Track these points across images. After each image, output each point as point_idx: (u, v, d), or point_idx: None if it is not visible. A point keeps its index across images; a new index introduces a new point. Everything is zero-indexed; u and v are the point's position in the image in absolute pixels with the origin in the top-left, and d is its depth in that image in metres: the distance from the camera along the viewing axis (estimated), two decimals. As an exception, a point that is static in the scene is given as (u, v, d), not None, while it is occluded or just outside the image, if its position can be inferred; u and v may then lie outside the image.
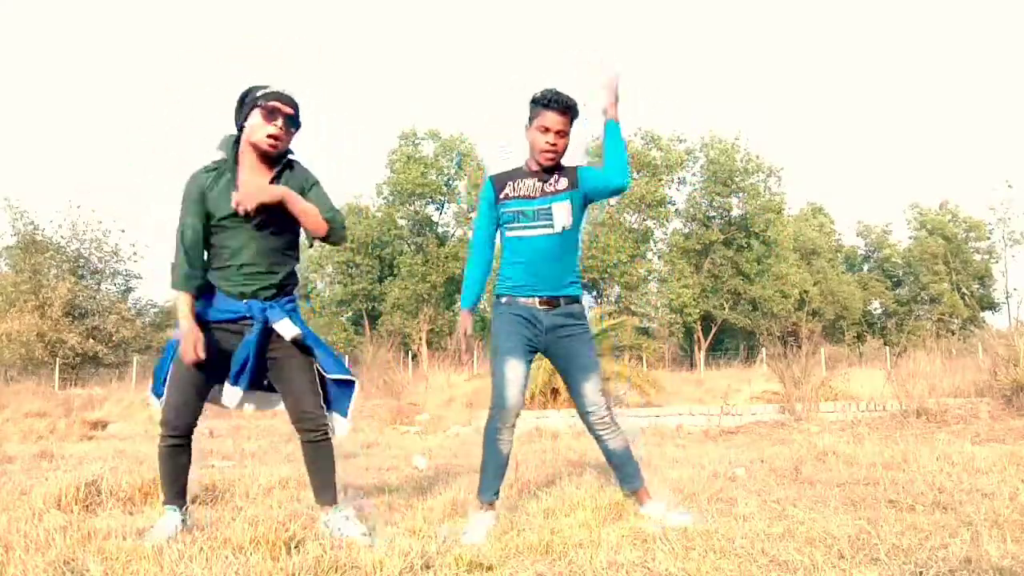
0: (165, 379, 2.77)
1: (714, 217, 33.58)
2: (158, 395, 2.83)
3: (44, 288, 24.65)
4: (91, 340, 24.85)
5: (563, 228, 2.90)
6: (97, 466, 3.95)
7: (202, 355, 2.60)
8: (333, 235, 2.76)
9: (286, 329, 2.67)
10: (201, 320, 2.67)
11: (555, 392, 9.90)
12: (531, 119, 2.92)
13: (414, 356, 23.54)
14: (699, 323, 32.56)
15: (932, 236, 39.64)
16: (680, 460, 4.86)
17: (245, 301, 2.67)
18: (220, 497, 3.61)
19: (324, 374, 2.77)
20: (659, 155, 32.81)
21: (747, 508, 3.04)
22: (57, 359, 22.56)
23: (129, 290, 29.09)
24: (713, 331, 32.83)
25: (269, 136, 2.64)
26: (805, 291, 34.26)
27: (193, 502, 3.43)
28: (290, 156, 2.81)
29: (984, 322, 31.59)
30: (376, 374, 13.80)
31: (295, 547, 2.38)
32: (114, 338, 25.46)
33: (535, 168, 2.96)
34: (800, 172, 68.68)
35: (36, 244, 25.49)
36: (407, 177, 30.64)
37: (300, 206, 2.68)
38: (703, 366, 28.01)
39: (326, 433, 2.74)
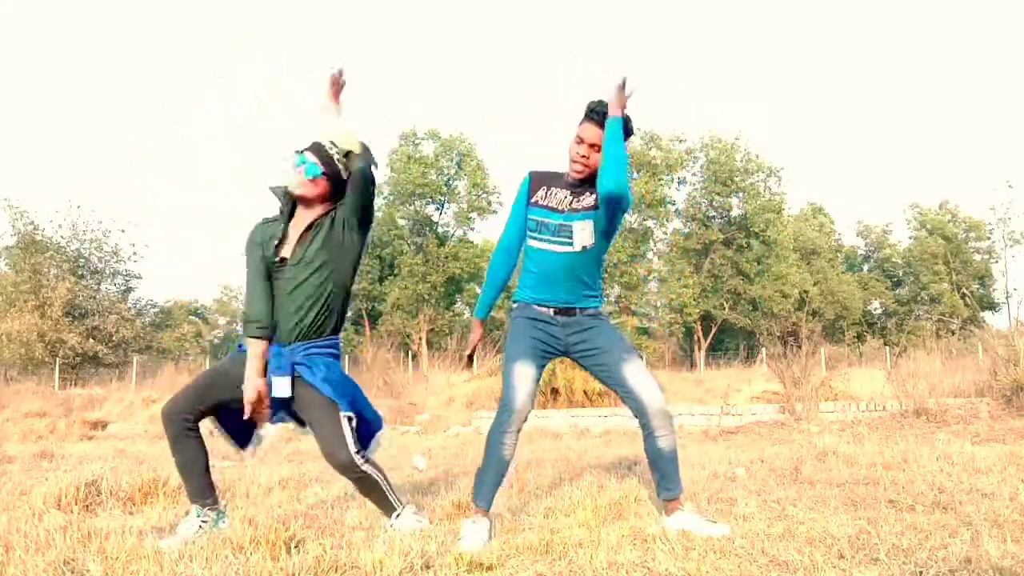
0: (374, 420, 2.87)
1: (714, 217, 33.56)
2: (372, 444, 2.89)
3: (44, 288, 24.63)
4: (91, 340, 24.84)
5: (583, 247, 2.75)
6: (97, 466, 3.96)
7: (259, 410, 2.70)
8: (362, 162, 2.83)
9: (278, 388, 2.70)
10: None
11: (555, 392, 9.90)
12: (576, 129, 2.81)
13: (414, 356, 23.54)
14: (699, 323, 32.54)
15: (932, 236, 39.62)
16: (680, 460, 4.86)
17: (276, 344, 2.74)
18: (220, 497, 3.60)
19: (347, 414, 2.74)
20: (659, 155, 32.79)
21: (747, 508, 3.04)
22: (57, 359, 22.55)
23: (129, 290, 29.07)
24: (713, 331, 32.81)
25: (295, 186, 2.79)
26: (805, 291, 34.25)
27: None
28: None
29: (984, 322, 31.60)
30: (376, 374, 13.81)
31: (295, 547, 2.38)
32: (114, 338, 25.44)
33: (570, 179, 2.83)
34: (800, 172, 68.73)
35: (36, 244, 25.47)
36: (407, 177, 30.63)
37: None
38: (703, 366, 28.03)
39: (359, 471, 2.73)
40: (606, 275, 32.22)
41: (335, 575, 2.17)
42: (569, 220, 2.76)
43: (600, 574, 2.16)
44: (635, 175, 32.58)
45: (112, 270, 27.93)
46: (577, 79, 65.30)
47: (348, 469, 2.71)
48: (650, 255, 34.79)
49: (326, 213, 2.81)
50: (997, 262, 40.25)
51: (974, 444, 5.27)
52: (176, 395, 2.81)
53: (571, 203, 2.78)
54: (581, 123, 2.77)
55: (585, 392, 9.74)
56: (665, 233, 34.65)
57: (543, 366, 2.81)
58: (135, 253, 27.85)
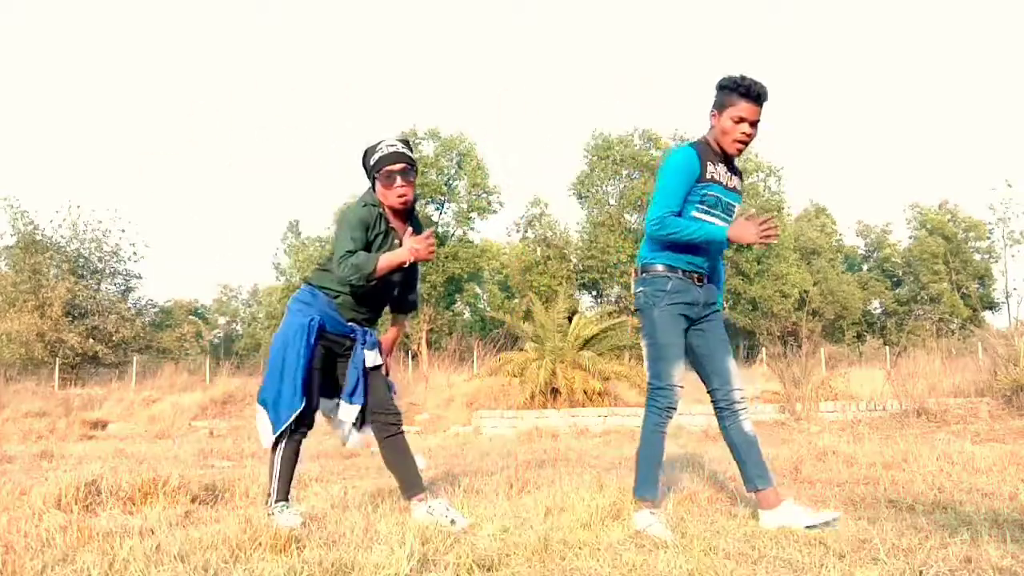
0: (277, 402, 2.94)
1: (714, 217, 33.58)
2: (279, 424, 2.97)
3: (44, 288, 24.63)
4: (91, 340, 24.83)
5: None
6: (97, 466, 3.96)
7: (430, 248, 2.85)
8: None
9: (372, 358, 3.05)
10: (321, 325, 2.96)
11: (555, 392, 9.91)
12: (722, 105, 2.81)
13: (414, 356, 23.53)
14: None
15: (932, 236, 39.62)
16: (680, 460, 4.86)
17: (351, 324, 3.03)
18: (220, 497, 3.61)
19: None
20: (659, 155, 32.78)
21: (747, 508, 3.04)
22: (57, 359, 22.54)
23: (129, 290, 29.06)
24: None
25: (398, 198, 2.95)
26: (805, 291, 34.25)
27: (193, 502, 3.44)
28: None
29: (984, 322, 31.59)
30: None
31: (295, 547, 2.38)
32: (114, 338, 25.44)
33: (720, 153, 2.87)
34: (800, 172, 68.70)
35: (36, 244, 25.46)
36: (407, 177, 30.64)
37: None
38: (703, 366, 27.94)
39: (401, 426, 3.08)
40: (606, 275, 32.26)
41: (335, 575, 2.17)
42: (736, 200, 2.91)
43: (600, 574, 2.16)
44: (635, 175, 32.60)
45: (112, 270, 27.93)
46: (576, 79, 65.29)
47: (399, 417, 3.08)
48: (650, 255, 34.74)
49: (410, 222, 3.07)
50: (997, 262, 40.26)
51: (974, 444, 5.27)
52: (308, 408, 2.98)
53: (733, 182, 2.91)
54: (735, 101, 2.77)
55: (585, 392, 9.74)
56: (665, 233, 34.64)
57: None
58: (135, 253, 27.88)
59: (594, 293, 34.55)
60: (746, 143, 2.83)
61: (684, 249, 2.84)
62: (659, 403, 2.84)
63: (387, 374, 3.17)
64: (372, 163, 2.95)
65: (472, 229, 33.24)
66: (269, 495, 2.95)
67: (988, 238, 40.17)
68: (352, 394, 2.98)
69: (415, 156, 3.05)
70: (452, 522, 2.81)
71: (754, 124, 2.80)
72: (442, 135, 32.26)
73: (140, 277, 29.06)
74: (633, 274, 2.97)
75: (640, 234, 33.35)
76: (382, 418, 3.03)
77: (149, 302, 30.49)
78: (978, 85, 67.30)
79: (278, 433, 2.95)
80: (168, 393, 13.43)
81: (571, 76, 69.35)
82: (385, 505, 3.36)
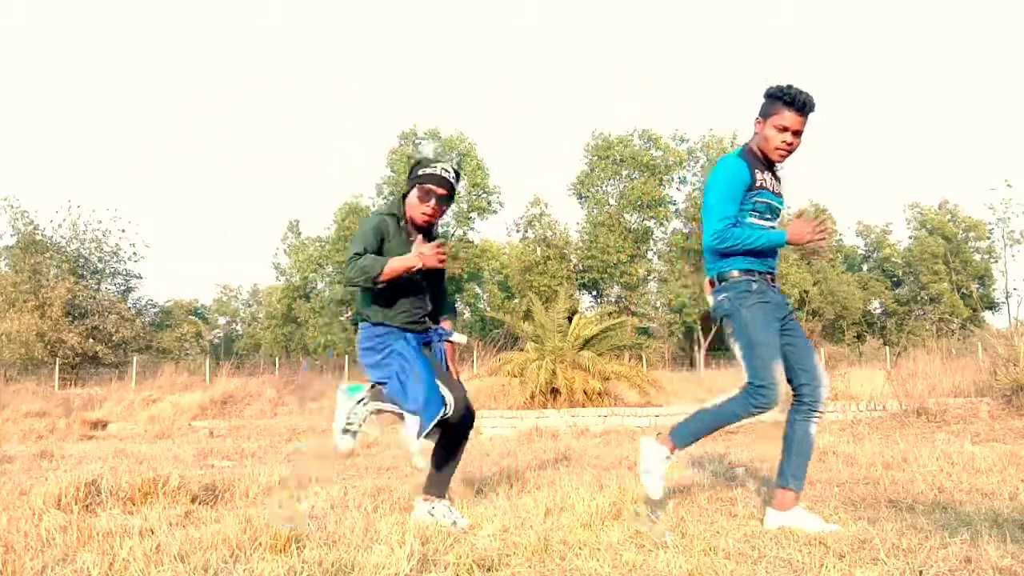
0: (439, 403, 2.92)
1: (714, 217, 33.60)
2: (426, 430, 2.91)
3: (44, 288, 24.64)
4: (91, 340, 24.85)
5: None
6: (97, 466, 3.96)
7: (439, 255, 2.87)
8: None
9: (459, 337, 3.15)
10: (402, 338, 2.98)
11: (555, 392, 9.90)
12: (767, 114, 2.83)
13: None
14: (699, 323, 32.55)
15: (932, 236, 39.63)
16: (680, 460, 4.86)
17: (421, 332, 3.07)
18: (220, 497, 3.61)
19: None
20: (659, 155, 32.79)
21: (747, 508, 3.04)
22: (57, 359, 22.54)
23: (129, 290, 29.10)
24: (713, 331, 32.82)
25: (423, 214, 3.01)
26: (805, 291, 34.26)
27: (193, 502, 3.44)
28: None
29: (984, 322, 31.58)
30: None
31: (295, 547, 2.38)
32: (114, 338, 25.46)
33: (763, 160, 2.89)
34: (800, 172, 68.71)
35: (36, 244, 25.48)
36: (407, 177, 30.70)
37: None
38: (703, 366, 28.03)
39: (470, 430, 3.12)
40: (606, 275, 32.26)
41: (335, 575, 2.17)
42: (782, 204, 2.94)
43: (600, 574, 2.16)
44: (635, 176, 32.59)
45: (112, 270, 27.97)
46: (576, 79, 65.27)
47: (472, 419, 3.12)
48: (650, 255, 34.82)
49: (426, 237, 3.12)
50: (997, 262, 40.26)
51: (974, 444, 5.27)
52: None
53: (779, 189, 2.95)
54: (780, 110, 2.79)
55: (585, 392, 9.73)
56: (665, 233, 34.68)
57: None
58: (135, 253, 27.89)
59: (594, 293, 34.56)
60: (789, 152, 2.85)
61: (755, 252, 2.84)
62: (756, 401, 2.75)
63: (457, 377, 3.17)
64: (420, 173, 3.01)
65: (472, 229, 33.25)
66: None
67: (988, 238, 40.19)
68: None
69: (456, 188, 3.10)
70: (453, 523, 2.82)
71: (797, 134, 2.82)
72: (442, 135, 32.27)
73: (140, 277, 29.15)
74: (707, 287, 2.97)
75: (639, 234, 33.38)
76: (462, 417, 3.02)
77: (149, 302, 30.55)
78: (978, 85, 67.33)
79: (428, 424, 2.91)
80: (168, 393, 13.41)
81: (571, 76, 69.39)
82: (385, 505, 3.37)
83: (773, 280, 2.93)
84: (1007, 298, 39.57)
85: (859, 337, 37.84)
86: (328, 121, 70.66)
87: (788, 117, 2.79)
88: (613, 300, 32.81)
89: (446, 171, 3.03)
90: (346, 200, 32.94)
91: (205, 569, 2.17)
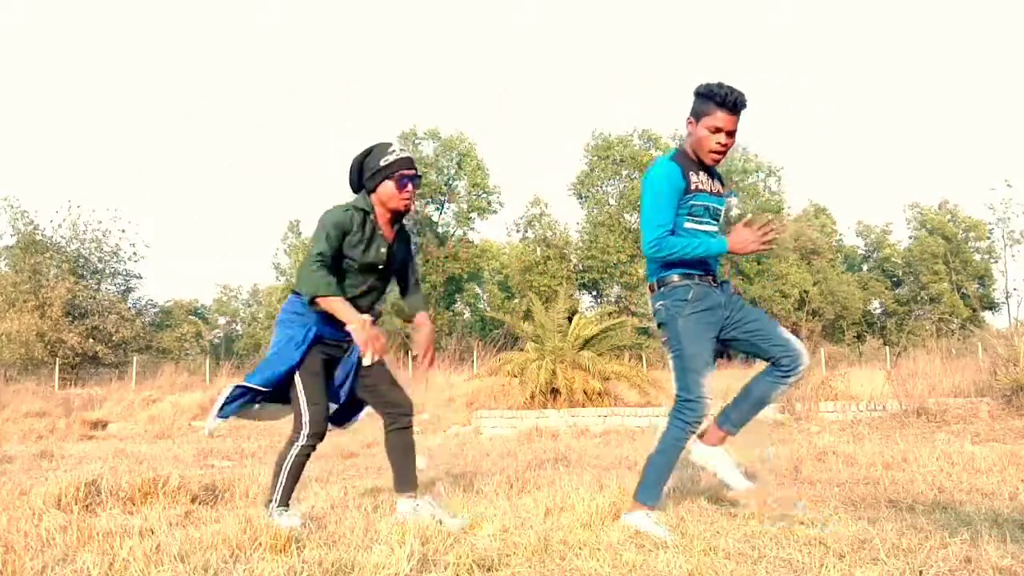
0: (237, 401, 2.91)
1: (714, 217, 33.62)
2: (224, 417, 2.92)
3: (44, 288, 24.64)
4: (91, 340, 24.84)
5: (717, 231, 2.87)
6: (97, 466, 3.96)
7: (378, 345, 2.86)
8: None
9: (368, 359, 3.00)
10: (318, 335, 2.95)
11: (555, 392, 9.90)
12: (699, 114, 2.74)
13: (414, 356, 23.55)
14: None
15: (932, 236, 39.64)
16: (680, 460, 4.86)
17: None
18: (220, 497, 3.61)
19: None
20: (659, 155, 32.77)
21: (747, 508, 3.04)
22: (57, 359, 22.54)
23: (129, 290, 29.08)
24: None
25: (403, 201, 3.01)
26: (805, 291, 34.26)
27: (193, 502, 3.44)
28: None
29: (984, 322, 31.60)
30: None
31: (295, 547, 2.38)
32: (114, 338, 25.45)
33: (697, 161, 2.81)
34: (800, 172, 68.69)
35: (36, 244, 25.48)
36: (407, 177, 30.67)
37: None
38: (703, 366, 27.91)
39: (411, 422, 3.12)
40: (606, 275, 32.25)
41: (335, 575, 2.17)
42: (722, 204, 2.89)
43: (600, 574, 2.16)
44: (635, 175, 32.54)
45: (112, 270, 27.95)
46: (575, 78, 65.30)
47: (408, 411, 3.13)
48: (650, 255, 34.75)
49: (398, 231, 3.14)
50: (997, 262, 40.26)
51: (974, 444, 5.27)
52: (322, 416, 2.98)
53: (718, 187, 2.89)
54: (712, 111, 2.70)
55: (585, 392, 9.73)
56: (665, 233, 34.65)
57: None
58: (135, 253, 27.89)
59: (594, 293, 34.56)
60: (723, 153, 2.76)
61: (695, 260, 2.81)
62: (685, 416, 2.76)
63: (429, 366, 3.23)
64: (383, 164, 2.95)
65: (472, 229, 33.23)
66: (271, 499, 2.93)
67: (988, 238, 40.19)
68: (337, 391, 3.06)
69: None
70: (440, 522, 2.79)
71: (731, 134, 2.73)
72: (442, 135, 32.26)
73: (140, 277, 29.12)
74: (648, 291, 2.93)
75: (639, 234, 33.36)
76: (392, 410, 3.08)
77: (149, 302, 30.52)
78: (978, 85, 67.33)
79: (219, 405, 2.90)
80: (168, 393, 13.42)
81: (571, 76, 69.38)
82: (385, 505, 3.36)
83: (715, 280, 2.84)
84: (1007, 298, 39.59)
85: (859, 337, 37.83)
86: (328, 121, 70.66)
87: (721, 118, 2.69)
88: (613, 300, 32.79)
89: (403, 151, 3.02)
90: (346, 200, 32.90)
91: (205, 569, 2.17)
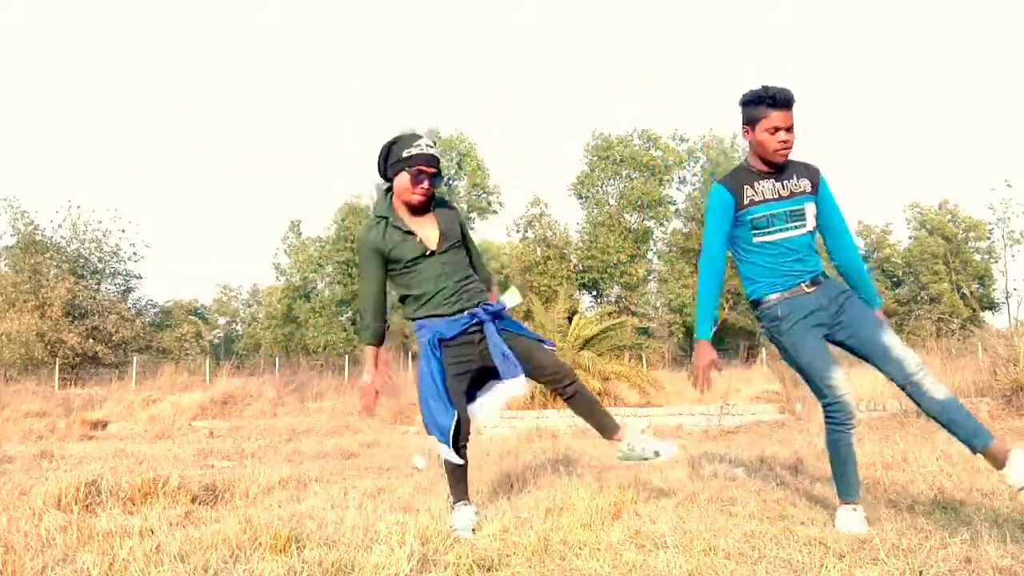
0: (445, 416, 2.90)
1: (714, 217, 33.59)
2: (444, 435, 2.90)
3: (44, 288, 24.66)
4: (91, 340, 24.86)
5: (812, 229, 2.84)
6: (97, 466, 3.96)
7: (376, 409, 2.95)
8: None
9: (511, 299, 3.06)
10: (443, 340, 2.94)
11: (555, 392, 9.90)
12: (753, 120, 2.78)
13: (414, 356, 23.55)
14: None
15: (932, 236, 39.64)
16: (680, 460, 4.86)
17: (466, 313, 2.97)
18: (220, 497, 3.61)
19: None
20: (659, 155, 32.80)
21: (747, 508, 3.04)
22: (57, 359, 22.54)
23: (129, 290, 29.11)
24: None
25: (417, 197, 2.96)
26: (805, 291, 34.20)
27: (193, 502, 3.44)
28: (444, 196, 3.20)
29: (984, 322, 31.60)
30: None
31: (295, 547, 2.38)
32: (114, 338, 25.46)
33: (766, 169, 2.84)
34: (800, 172, 68.49)
35: (36, 244, 25.49)
36: (407, 177, 30.69)
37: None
38: (703, 366, 27.89)
39: (576, 381, 3.04)
40: (606, 275, 32.25)
41: (335, 575, 2.17)
42: (800, 204, 2.83)
43: (600, 574, 2.16)
44: (635, 175, 32.57)
45: (112, 270, 27.97)
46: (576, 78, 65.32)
47: (568, 374, 3.03)
48: (650, 255, 34.81)
49: (433, 209, 3.08)
50: (997, 262, 40.26)
51: (974, 444, 5.26)
52: (463, 422, 2.92)
53: (790, 189, 2.84)
54: (765, 113, 2.74)
55: (585, 392, 9.73)
56: (665, 233, 34.68)
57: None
58: (135, 253, 27.90)
59: (594, 293, 34.55)
60: (789, 149, 2.79)
61: (774, 267, 2.82)
62: (836, 419, 2.74)
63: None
64: (404, 155, 2.93)
65: (472, 229, 33.23)
66: (449, 499, 3.02)
67: (988, 238, 40.19)
68: (510, 370, 2.92)
69: (440, 161, 3.08)
70: (656, 453, 2.87)
71: (789, 129, 2.77)
72: (442, 135, 32.26)
73: (140, 277, 29.15)
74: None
75: (639, 234, 33.38)
76: (552, 379, 3.02)
77: (149, 302, 30.56)
78: (978, 85, 67.32)
79: (447, 442, 2.89)
80: (168, 393, 13.42)
81: (571, 76, 69.35)
82: (385, 505, 3.37)
83: (812, 284, 2.82)
84: (1007, 298, 39.59)
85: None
86: (328, 121, 70.66)
87: (775, 117, 2.73)
88: (613, 300, 32.79)
89: (429, 147, 2.97)
90: (346, 200, 32.90)
91: (205, 569, 2.17)
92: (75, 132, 71.11)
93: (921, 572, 2.08)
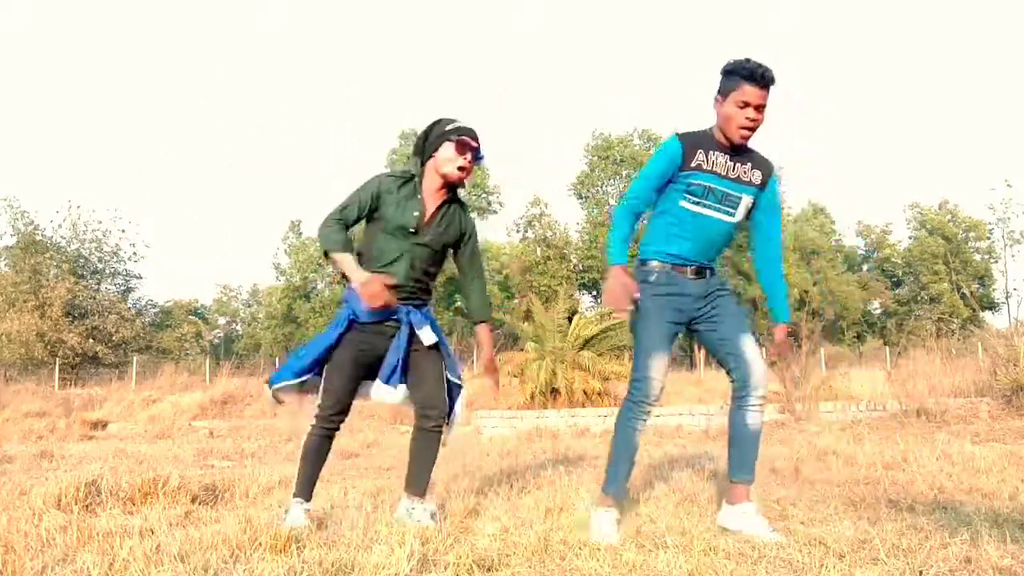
0: (303, 370, 2.86)
1: (713, 217, 33.62)
2: (274, 382, 2.88)
3: (44, 288, 24.66)
4: (91, 340, 24.86)
5: (737, 221, 2.76)
6: (97, 466, 3.96)
7: (391, 298, 2.76)
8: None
9: (426, 336, 2.92)
10: (354, 318, 2.84)
11: (555, 392, 9.91)
12: (726, 91, 2.66)
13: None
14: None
15: (932, 236, 39.64)
16: (680, 460, 4.86)
17: (395, 304, 2.85)
18: (220, 497, 3.61)
19: (448, 377, 3.02)
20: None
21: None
22: (57, 359, 22.54)
23: (129, 290, 29.13)
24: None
25: (460, 168, 2.91)
26: (805, 291, 34.23)
27: (193, 502, 3.44)
28: (460, 194, 3.08)
29: (984, 322, 31.61)
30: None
31: (295, 547, 2.38)
32: (114, 338, 25.47)
33: (725, 143, 2.72)
34: (800, 172, 68.73)
35: (36, 244, 25.50)
36: (407, 177, 30.69)
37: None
38: (703, 366, 28.00)
39: (441, 427, 2.96)
40: (606, 275, 32.25)
41: (335, 575, 2.17)
42: (739, 192, 2.74)
43: (600, 574, 2.16)
44: (635, 175, 32.51)
45: (112, 270, 27.99)
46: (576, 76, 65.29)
47: (441, 414, 2.94)
48: (650, 255, 34.77)
49: (448, 203, 3.00)
50: (997, 262, 40.26)
51: (974, 444, 5.27)
52: (339, 399, 2.88)
53: (739, 173, 2.74)
54: (739, 85, 2.62)
55: (585, 392, 9.74)
56: (665, 233, 34.68)
57: (672, 345, 2.77)
58: (135, 253, 27.91)
59: (594, 293, 34.57)
60: (752, 129, 2.67)
61: (667, 241, 2.75)
62: (633, 395, 2.72)
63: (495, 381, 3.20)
64: (450, 128, 2.91)
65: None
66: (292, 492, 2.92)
67: (988, 238, 40.19)
68: (389, 378, 2.86)
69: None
70: (432, 518, 2.80)
71: (760, 108, 2.63)
72: (442, 135, 32.19)
73: (140, 277, 29.19)
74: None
75: (640, 234, 33.41)
76: (423, 410, 2.94)
77: (149, 302, 30.59)
78: (978, 85, 67.33)
79: (290, 381, 2.86)
80: (168, 393, 13.43)
81: (571, 76, 69.37)
82: (385, 505, 3.36)
83: (698, 272, 2.76)
84: (1007, 298, 39.58)
85: (859, 337, 37.82)
86: (328, 121, 70.67)
87: (749, 91, 2.61)
88: (613, 300, 32.74)
89: (472, 128, 2.96)
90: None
91: (205, 569, 2.17)
92: (75, 132, 71.13)
93: (921, 572, 2.08)
